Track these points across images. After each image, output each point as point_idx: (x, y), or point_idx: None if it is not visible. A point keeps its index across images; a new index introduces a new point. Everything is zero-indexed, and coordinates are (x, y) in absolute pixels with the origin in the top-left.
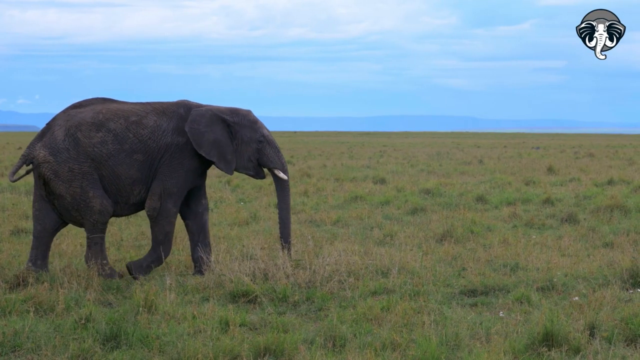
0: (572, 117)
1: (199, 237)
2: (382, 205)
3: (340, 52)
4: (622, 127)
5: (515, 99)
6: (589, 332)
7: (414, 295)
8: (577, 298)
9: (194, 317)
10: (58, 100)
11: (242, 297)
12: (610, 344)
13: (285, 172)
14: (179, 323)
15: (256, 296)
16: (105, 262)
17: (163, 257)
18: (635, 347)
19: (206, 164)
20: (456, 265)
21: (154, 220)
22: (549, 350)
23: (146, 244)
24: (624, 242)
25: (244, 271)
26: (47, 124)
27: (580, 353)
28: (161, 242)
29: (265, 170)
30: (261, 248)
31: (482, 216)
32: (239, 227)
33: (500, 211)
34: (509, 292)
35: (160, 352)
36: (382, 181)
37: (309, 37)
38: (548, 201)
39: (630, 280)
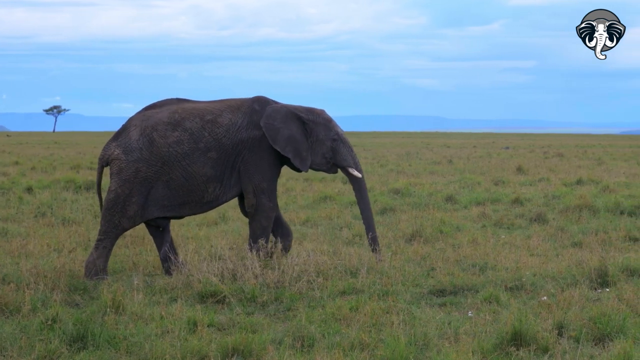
0: (542, 117)
1: (278, 229)
2: (352, 205)
3: (310, 51)
4: (591, 127)
5: (484, 99)
6: (557, 331)
7: (383, 295)
8: (545, 298)
9: (161, 317)
10: (25, 100)
11: (210, 297)
12: (578, 343)
13: (359, 170)
14: (147, 323)
15: (224, 296)
16: (105, 268)
17: (263, 248)
18: (603, 346)
19: (284, 157)
20: (425, 265)
21: (251, 216)
22: (518, 349)
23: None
24: (593, 242)
25: (212, 271)
26: (123, 125)
27: (549, 352)
28: (259, 236)
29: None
30: (230, 248)
31: (452, 216)
32: (208, 227)
33: (469, 211)
34: (477, 291)
35: (127, 352)
36: None
37: (278, 37)
38: (517, 201)
39: (599, 280)
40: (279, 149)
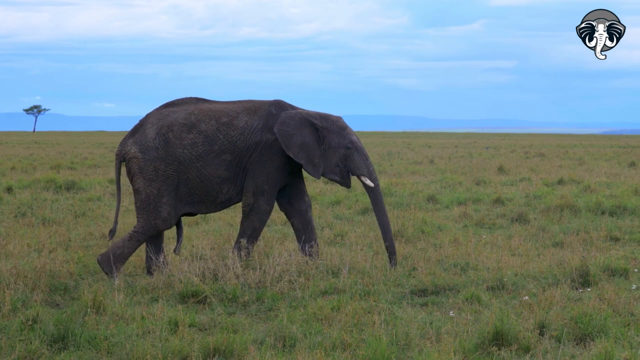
0: (523, 117)
1: (304, 234)
2: (333, 205)
3: (291, 51)
4: (572, 127)
5: (465, 99)
6: (538, 331)
7: (365, 295)
8: (527, 297)
9: (142, 317)
10: (5, 100)
11: (191, 297)
12: (559, 343)
13: (372, 179)
14: (128, 324)
15: (206, 296)
16: (124, 260)
17: (248, 249)
18: (584, 346)
19: (296, 163)
20: (407, 265)
21: (245, 215)
22: (499, 349)
23: (95, 244)
24: (574, 242)
25: (193, 271)
26: (140, 121)
27: (530, 352)
28: (248, 236)
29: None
30: (211, 248)
31: (433, 216)
32: (189, 227)
33: (451, 211)
34: (459, 291)
35: (108, 353)
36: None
37: (260, 37)
38: (498, 201)
39: (580, 280)
40: (292, 155)
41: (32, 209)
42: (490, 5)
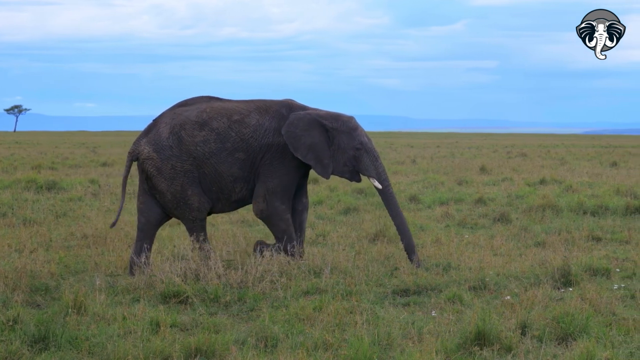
0: (505, 117)
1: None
2: (315, 205)
3: (273, 51)
4: (554, 127)
5: (448, 98)
6: (520, 331)
7: (347, 295)
8: (509, 297)
9: (124, 318)
10: None
11: (173, 297)
12: (541, 342)
13: (381, 180)
14: (109, 324)
15: (187, 297)
16: (209, 249)
17: (289, 251)
18: (566, 345)
19: (307, 164)
20: (389, 265)
21: (267, 221)
22: (481, 349)
23: (76, 244)
24: (556, 242)
25: (175, 271)
26: (154, 120)
27: (512, 352)
28: (286, 241)
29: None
30: (192, 249)
31: (415, 216)
32: (170, 227)
33: (433, 211)
34: (441, 291)
35: (89, 353)
36: (315, 181)
37: (241, 37)
38: (480, 201)
39: (562, 279)
40: (300, 157)
41: (12, 209)
42: (472, 5)
